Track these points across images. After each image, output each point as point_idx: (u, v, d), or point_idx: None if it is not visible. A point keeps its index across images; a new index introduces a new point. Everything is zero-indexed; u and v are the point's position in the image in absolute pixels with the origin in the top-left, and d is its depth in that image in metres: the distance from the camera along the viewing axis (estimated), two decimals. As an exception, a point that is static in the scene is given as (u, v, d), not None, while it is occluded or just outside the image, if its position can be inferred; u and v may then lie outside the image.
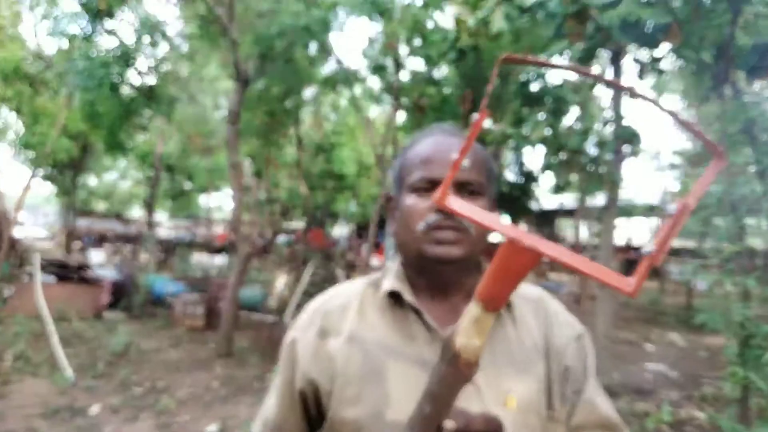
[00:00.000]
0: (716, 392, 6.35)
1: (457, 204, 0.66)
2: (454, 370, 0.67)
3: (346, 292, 1.09)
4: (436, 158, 0.99)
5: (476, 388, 0.91)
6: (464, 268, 1.01)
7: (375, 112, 18.63)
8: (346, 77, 11.06)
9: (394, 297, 1.01)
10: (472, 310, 0.67)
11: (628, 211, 13.85)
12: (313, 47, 9.19)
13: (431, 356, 0.91)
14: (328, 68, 11.76)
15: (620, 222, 18.11)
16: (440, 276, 1.01)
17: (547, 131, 6.22)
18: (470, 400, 0.87)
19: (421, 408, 0.71)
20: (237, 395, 5.97)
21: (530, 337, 1.01)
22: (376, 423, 0.92)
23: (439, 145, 1.01)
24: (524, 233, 0.61)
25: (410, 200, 1.00)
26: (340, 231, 32.12)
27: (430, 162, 0.99)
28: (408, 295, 0.99)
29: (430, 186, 0.97)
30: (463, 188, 0.96)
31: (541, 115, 7.25)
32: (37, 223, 40.91)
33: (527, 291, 1.10)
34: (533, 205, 11.89)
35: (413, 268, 1.04)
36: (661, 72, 7.33)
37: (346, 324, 1.02)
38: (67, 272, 10.07)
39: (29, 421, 4.90)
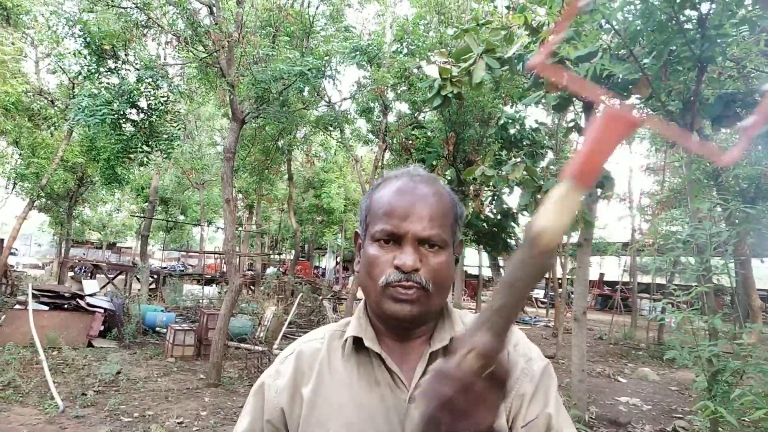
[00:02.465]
0: (687, 426, 6.57)
1: (554, 71, 0.63)
2: (532, 258, 0.62)
3: (316, 338, 1.09)
4: (399, 212, 0.95)
5: None
6: (423, 321, 0.99)
7: (363, 151, 19.16)
8: (336, 119, 11.48)
9: (358, 342, 1.00)
10: (559, 188, 0.61)
11: (602, 248, 14.27)
12: (306, 91, 9.60)
13: (393, 401, 0.94)
14: (319, 110, 12.23)
15: (593, 259, 18.56)
16: (399, 327, 1.00)
17: (525, 173, 6.56)
18: None
19: (493, 300, 0.65)
20: (225, 424, 6.01)
21: None
22: None
23: (404, 197, 0.97)
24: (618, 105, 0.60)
25: (373, 250, 0.97)
26: (327, 264, 32.32)
27: (392, 215, 0.95)
28: (369, 341, 0.98)
29: (390, 239, 0.95)
30: (425, 243, 0.94)
31: (519, 158, 7.63)
32: (30, 252, 40.72)
33: None
34: (511, 242, 12.28)
35: (374, 315, 1.03)
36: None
37: (315, 370, 1.02)
38: (59, 301, 10.16)
39: None
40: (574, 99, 6.65)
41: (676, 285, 4.82)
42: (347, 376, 0.99)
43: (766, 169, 7.67)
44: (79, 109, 7.26)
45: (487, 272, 29.45)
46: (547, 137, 10.62)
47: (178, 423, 6.00)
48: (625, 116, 0.58)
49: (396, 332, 1.01)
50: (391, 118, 11.89)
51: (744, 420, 3.43)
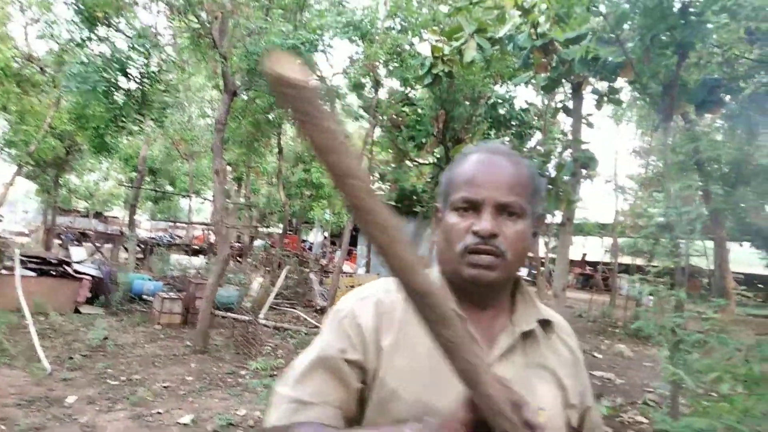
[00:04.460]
0: (658, 399, 6.83)
1: None
2: None
3: (392, 289, 1.04)
4: (478, 180, 0.98)
5: None
6: (497, 290, 1.02)
7: (353, 127, 19.13)
8: (327, 94, 11.45)
9: None
10: None
11: (584, 228, 14.51)
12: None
13: None
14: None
15: (576, 239, 18.92)
16: (473, 295, 1.01)
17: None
18: None
19: None
20: (210, 389, 6.15)
21: (561, 360, 1.04)
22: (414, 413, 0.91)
23: (483, 166, 1.00)
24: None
25: (452, 219, 1.00)
26: (315, 238, 32.40)
27: (473, 184, 0.98)
28: (454, 305, 0.98)
29: (469, 206, 0.98)
30: (503, 211, 0.97)
31: (507, 137, 7.73)
32: (17, 219, 40.38)
33: (553, 313, 1.12)
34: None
35: (449, 282, 1.03)
36: (618, 102, 7.88)
37: (394, 321, 1.00)
38: (46, 267, 10.18)
39: (4, 410, 4.92)
40: (562, 80, 6.72)
41: (654, 265, 4.98)
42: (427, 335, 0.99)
43: (747, 153, 7.84)
44: (71, 76, 7.22)
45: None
46: (535, 117, 10.71)
47: (165, 387, 6.10)
48: None
49: (470, 300, 1.02)
50: (383, 94, 11.91)
51: (702, 385, 3.60)
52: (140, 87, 8.28)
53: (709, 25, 4.65)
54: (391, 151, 11.80)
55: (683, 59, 5.11)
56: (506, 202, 0.97)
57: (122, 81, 8.12)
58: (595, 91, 7.18)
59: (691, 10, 4.43)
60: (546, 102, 10.94)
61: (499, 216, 0.97)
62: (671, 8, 4.49)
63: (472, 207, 0.98)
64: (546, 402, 0.97)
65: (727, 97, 6.19)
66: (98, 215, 31.55)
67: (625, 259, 19.36)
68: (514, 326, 1.02)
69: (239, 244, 21.99)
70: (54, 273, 10.13)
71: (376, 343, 0.98)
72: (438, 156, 11.11)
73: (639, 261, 15.56)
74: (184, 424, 5.06)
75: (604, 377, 7.98)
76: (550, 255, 14.92)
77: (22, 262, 9.65)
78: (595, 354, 9.68)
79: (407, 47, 9.63)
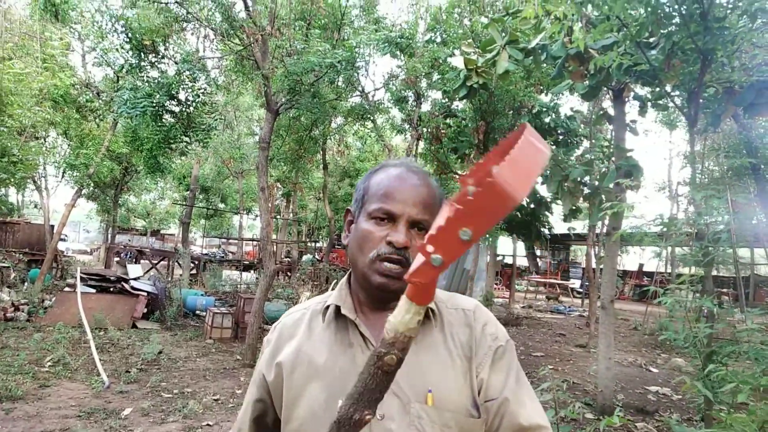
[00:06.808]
0: (716, 416, 6.52)
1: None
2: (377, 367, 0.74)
3: (302, 308, 1.23)
4: (396, 195, 1.06)
5: (398, 387, 1.00)
6: (401, 296, 1.17)
7: (398, 140, 19.25)
8: (369, 109, 11.59)
9: (338, 310, 1.12)
10: (402, 305, 0.73)
11: (632, 238, 13.99)
12: (339, 81, 9.77)
13: (363, 361, 0.97)
14: (353, 100, 12.38)
15: (633, 249, 18.19)
16: (381, 297, 1.10)
17: (551, 162, 6.57)
18: (392, 398, 0.99)
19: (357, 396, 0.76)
20: (259, 402, 6.34)
21: (456, 342, 1.08)
22: (318, 417, 1.02)
23: (402, 183, 1.08)
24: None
25: (367, 225, 1.07)
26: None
27: (391, 197, 1.06)
28: (346, 310, 1.10)
29: (386, 217, 1.05)
30: (415, 226, 1.05)
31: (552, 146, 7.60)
32: (80, 238, 42.46)
33: (462, 301, 1.17)
34: (544, 230, 12.20)
35: (358, 283, 1.13)
36: (664, 108, 7.66)
37: (296, 336, 1.14)
38: (105, 284, 10.66)
39: (65, 421, 5.20)
40: (602, 87, 6.59)
41: (691, 274, 4.81)
42: (326, 339, 1.10)
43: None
44: (122, 101, 7.62)
45: (522, 261, 29.27)
46: (582, 125, 10.50)
47: (215, 399, 6.30)
48: (429, 276, 0.68)
49: (375, 302, 1.11)
50: (426, 107, 11.95)
51: (723, 396, 3.43)
52: (186, 110, 8.63)
53: (734, 30, 4.50)
54: (436, 163, 11.81)
55: (705, 66, 4.96)
56: (419, 219, 1.06)
57: (170, 104, 8.49)
58: (637, 97, 7.01)
59: (710, 16, 4.31)
60: (592, 109, 10.73)
61: (410, 230, 1.05)
62: (692, 15, 4.37)
63: (389, 218, 1.06)
64: (435, 382, 1.02)
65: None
66: (155, 233, 32.71)
67: (685, 269, 18.58)
68: None
69: (288, 259, 22.34)
70: (112, 290, 10.60)
71: (271, 366, 1.13)
72: (481, 167, 10.98)
73: (696, 270, 14.94)
74: (232, 437, 5.19)
75: (660, 392, 7.68)
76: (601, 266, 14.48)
77: (82, 279, 10.16)
78: (651, 368, 9.32)
79: (449, 59, 9.66)
